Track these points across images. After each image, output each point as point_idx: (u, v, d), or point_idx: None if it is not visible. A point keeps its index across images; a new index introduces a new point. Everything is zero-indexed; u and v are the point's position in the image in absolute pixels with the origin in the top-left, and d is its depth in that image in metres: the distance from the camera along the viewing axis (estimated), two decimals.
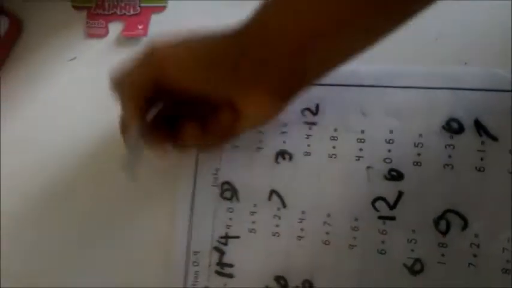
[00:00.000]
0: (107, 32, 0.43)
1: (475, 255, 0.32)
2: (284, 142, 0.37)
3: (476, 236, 0.32)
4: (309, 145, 0.36)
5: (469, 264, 0.32)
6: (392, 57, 0.34)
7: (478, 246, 0.32)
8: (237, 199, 0.37)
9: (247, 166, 0.38)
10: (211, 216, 0.38)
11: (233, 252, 0.37)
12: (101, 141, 0.42)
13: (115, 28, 0.43)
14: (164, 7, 0.42)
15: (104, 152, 0.41)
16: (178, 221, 0.38)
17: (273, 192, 0.37)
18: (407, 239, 0.33)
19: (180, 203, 0.38)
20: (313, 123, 0.36)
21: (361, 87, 0.36)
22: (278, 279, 0.36)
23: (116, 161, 0.38)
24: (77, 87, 0.43)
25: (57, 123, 0.43)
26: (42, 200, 0.42)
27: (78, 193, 0.41)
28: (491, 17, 0.34)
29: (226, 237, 0.37)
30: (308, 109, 0.37)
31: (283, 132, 0.37)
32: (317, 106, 0.37)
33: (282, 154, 0.37)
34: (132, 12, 0.43)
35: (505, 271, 0.31)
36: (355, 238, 0.34)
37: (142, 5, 0.43)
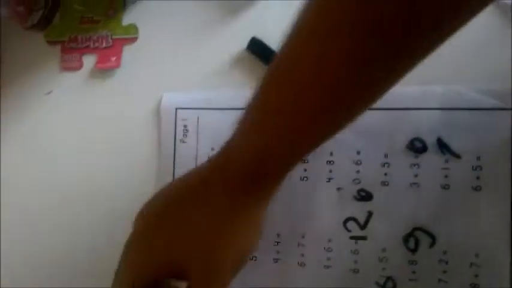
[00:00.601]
0: (81, 65, 0.44)
1: (444, 272, 0.33)
2: None
3: (444, 252, 0.33)
4: None
5: (439, 280, 0.33)
6: None
7: (446, 262, 0.33)
8: None
9: None
10: None
11: None
12: (82, 172, 0.42)
13: (89, 60, 0.44)
14: (136, 38, 0.43)
15: (87, 182, 0.42)
16: None
17: None
18: (379, 258, 0.34)
19: None
20: None
21: None
22: None
23: (97, 189, 0.41)
24: (55, 120, 0.44)
25: (37, 156, 0.44)
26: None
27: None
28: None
29: None
30: None
31: None
32: None
33: None
34: (104, 45, 0.44)
35: (474, 286, 0.32)
36: (329, 259, 0.35)
37: (114, 37, 0.44)
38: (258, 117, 0.26)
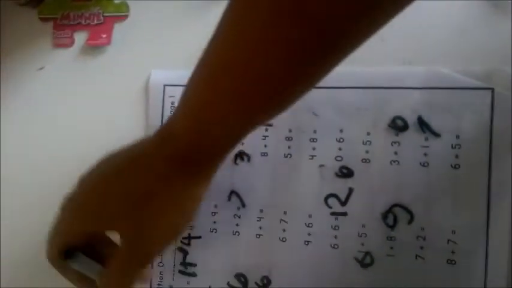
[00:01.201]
0: (72, 42, 0.45)
1: (421, 248, 0.33)
2: (242, 144, 0.38)
3: (422, 229, 0.33)
4: (265, 146, 0.38)
5: (417, 256, 0.33)
6: None
7: (424, 238, 0.33)
8: None
9: None
10: None
11: (195, 252, 0.38)
12: (72, 146, 0.43)
13: (80, 38, 0.45)
14: (126, 16, 0.44)
15: (77, 155, 0.42)
16: None
17: (232, 192, 0.38)
18: (358, 233, 0.34)
19: None
20: (269, 125, 0.38)
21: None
22: (238, 276, 0.37)
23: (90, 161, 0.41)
24: (47, 95, 0.45)
25: (29, 131, 0.44)
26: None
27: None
28: (433, 18, 0.36)
29: (189, 237, 0.39)
30: None
31: None
32: None
33: (241, 155, 0.38)
34: (96, 22, 0.44)
35: (450, 262, 0.32)
36: (309, 234, 0.36)
37: (105, 14, 0.44)
38: (197, 94, 0.26)
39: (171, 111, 0.40)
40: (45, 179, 0.43)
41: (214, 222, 0.38)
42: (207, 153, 0.28)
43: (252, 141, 0.38)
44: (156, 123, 0.40)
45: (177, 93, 0.40)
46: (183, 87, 0.27)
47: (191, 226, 0.38)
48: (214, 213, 0.38)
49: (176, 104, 0.39)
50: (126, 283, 0.30)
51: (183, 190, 0.29)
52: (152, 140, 0.29)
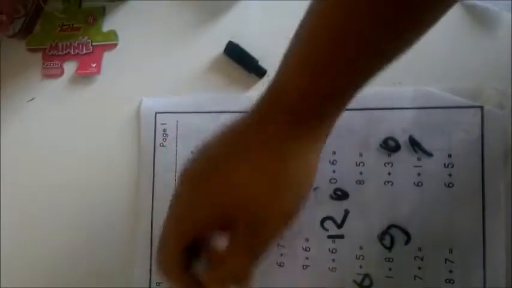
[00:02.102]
0: (62, 72, 0.45)
1: (419, 268, 0.33)
2: None
3: (419, 249, 0.33)
4: None
5: (415, 276, 0.33)
6: None
7: (421, 259, 0.33)
8: None
9: None
10: None
11: None
12: (65, 176, 0.43)
13: (70, 67, 0.45)
14: (115, 44, 0.44)
15: (70, 185, 0.42)
16: (139, 255, 0.39)
17: None
18: (356, 256, 0.34)
19: (139, 238, 0.40)
20: None
21: None
22: None
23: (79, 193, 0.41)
24: (38, 126, 0.44)
25: (20, 162, 0.44)
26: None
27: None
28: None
29: None
30: None
31: None
32: None
33: None
34: (85, 51, 0.44)
35: (449, 281, 0.32)
36: (307, 258, 0.35)
37: (94, 43, 0.44)
38: (299, 57, 0.26)
39: (163, 138, 0.40)
40: (36, 209, 0.43)
41: None
42: (319, 107, 0.26)
43: None
44: (148, 150, 0.40)
45: (168, 121, 0.40)
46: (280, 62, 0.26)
47: None
48: None
49: (168, 132, 0.40)
50: (244, 276, 0.27)
51: (300, 159, 0.27)
52: (258, 113, 0.27)
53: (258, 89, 0.39)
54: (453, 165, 0.33)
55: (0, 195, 0.44)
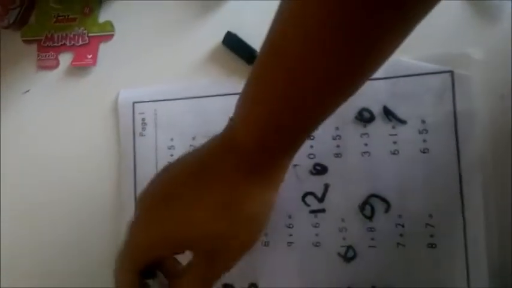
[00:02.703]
0: (57, 64, 0.44)
1: (401, 235, 0.33)
2: None
3: (400, 216, 0.33)
4: None
5: (398, 244, 0.33)
6: None
7: (403, 225, 0.33)
8: None
9: None
10: None
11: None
12: (60, 169, 0.43)
13: (65, 59, 0.44)
14: (112, 35, 0.43)
15: (64, 179, 0.43)
16: None
17: None
18: (339, 228, 0.35)
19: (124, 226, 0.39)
20: None
21: None
22: (226, 286, 0.37)
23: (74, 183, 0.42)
24: (33, 118, 0.44)
25: (17, 154, 0.44)
26: None
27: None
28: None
29: None
30: None
31: None
32: None
33: None
34: (81, 42, 0.44)
35: (431, 245, 0.33)
36: (291, 235, 0.36)
37: (90, 34, 0.44)
38: (257, 90, 0.26)
39: (142, 128, 0.40)
40: (33, 199, 0.43)
41: None
42: (273, 158, 0.27)
43: None
44: (128, 141, 0.40)
45: (146, 110, 0.40)
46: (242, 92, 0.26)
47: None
48: None
49: (147, 121, 0.40)
50: None
51: (257, 198, 0.28)
52: (214, 151, 0.28)
53: None
54: (427, 131, 0.33)
55: None
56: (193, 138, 0.39)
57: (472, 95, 0.33)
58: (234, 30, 0.39)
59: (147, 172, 0.39)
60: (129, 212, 0.39)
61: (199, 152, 0.29)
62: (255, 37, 0.38)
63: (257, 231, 0.29)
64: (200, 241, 0.27)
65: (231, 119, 0.28)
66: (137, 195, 0.30)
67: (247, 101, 0.26)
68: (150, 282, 0.30)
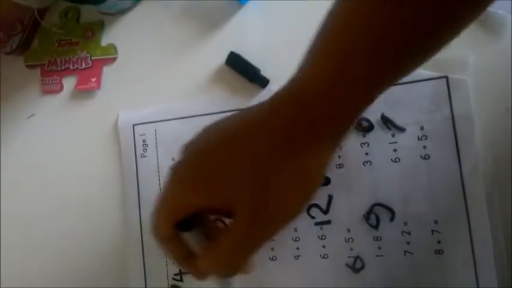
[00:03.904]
0: (61, 87, 0.45)
1: (408, 243, 0.33)
2: None
3: (405, 223, 0.33)
4: None
5: (405, 252, 0.33)
6: None
7: (409, 233, 0.33)
8: None
9: None
10: (163, 256, 0.39)
11: (190, 286, 0.38)
12: (66, 193, 0.43)
13: (69, 82, 0.45)
14: (115, 58, 0.43)
15: (69, 203, 0.43)
16: (131, 264, 0.39)
17: None
18: (345, 239, 0.34)
19: (130, 247, 0.40)
20: None
21: None
22: None
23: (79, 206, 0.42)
24: (37, 142, 0.45)
25: (21, 179, 0.45)
26: None
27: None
28: None
29: (180, 273, 0.38)
30: None
31: None
32: None
33: None
34: (84, 66, 0.44)
35: (438, 252, 0.33)
36: (298, 248, 0.36)
37: (93, 58, 0.44)
38: (327, 47, 0.24)
39: (143, 149, 0.40)
40: (34, 226, 0.43)
41: None
42: (337, 115, 0.24)
43: None
44: (130, 163, 0.40)
45: (146, 131, 0.40)
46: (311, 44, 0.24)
47: None
48: None
49: (148, 142, 0.40)
50: (234, 265, 0.27)
51: (308, 160, 0.25)
52: (272, 101, 0.25)
53: (262, 98, 0.37)
54: (427, 137, 0.33)
55: (1, 211, 0.45)
56: None
57: (469, 98, 0.33)
58: (237, 50, 0.39)
59: (151, 193, 0.40)
60: (135, 232, 0.40)
61: (249, 110, 0.27)
62: (258, 56, 0.39)
63: (307, 195, 0.26)
64: (243, 197, 0.25)
65: (293, 76, 0.25)
66: (184, 145, 0.28)
67: (318, 50, 0.24)
68: (187, 235, 0.28)
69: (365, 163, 0.35)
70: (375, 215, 0.34)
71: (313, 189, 0.26)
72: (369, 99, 0.25)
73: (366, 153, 0.35)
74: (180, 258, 0.29)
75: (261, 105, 0.26)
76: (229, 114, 0.28)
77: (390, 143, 0.34)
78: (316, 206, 0.35)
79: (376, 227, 0.34)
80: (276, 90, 0.25)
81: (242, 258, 0.26)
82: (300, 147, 0.24)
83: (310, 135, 0.24)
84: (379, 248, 0.34)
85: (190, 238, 0.28)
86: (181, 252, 0.29)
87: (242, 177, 0.25)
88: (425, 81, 0.34)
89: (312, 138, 0.24)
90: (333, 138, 0.25)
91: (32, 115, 0.45)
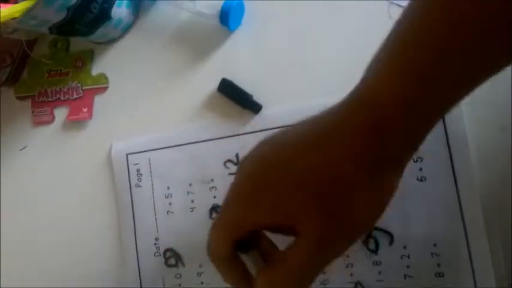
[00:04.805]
0: (53, 118, 0.44)
1: (408, 266, 0.33)
2: (214, 197, 0.38)
3: (404, 247, 0.33)
4: None
5: (405, 276, 0.33)
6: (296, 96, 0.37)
7: (408, 257, 0.33)
8: (182, 264, 0.38)
9: (185, 228, 0.38)
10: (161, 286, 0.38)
11: None
12: (59, 225, 0.43)
13: (61, 113, 0.44)
14: (106, 88, 0.43)
15: (63, 233, 0.42)
16: None
17: None
18: (345, 264, 0.34)
19: (127, 277, 0.39)
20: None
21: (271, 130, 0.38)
22: None
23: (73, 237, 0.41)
24: (30, 174, 0.44)
25: (16, 211, 0.44)
26: None
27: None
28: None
29: None
30: (230, 160, 0.38)
31: (212, 188, 0.38)
32: (237, 156, 0.38)
33: (215, 209, 0.38)
34: (75, 96, 0.44)
35: (439, 275, 0.32)
36: None
37: (84, 88, 0.44)
38: (397, 57, 0.23)
39: (137, 178, 0.40)
40: (32, 253, 0.43)
41: (202, 282, 0.37)
42: (413, 127, 0.23)
43: (223, 193, 0.37)
44: (125, 193, 0.40)
45: (140, 160, 0.40)
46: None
47: None
48: (200, 273, 0.37)
49: (142, 171, 0.40)
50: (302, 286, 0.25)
51: (387, 175, 0.24)
52: (340, 113, 0.24)
53: (255, 124, 0.37)
54: (422, 159, 0.33)
55: None
56: (190, 185, 0.39)
57: (462, 117, 0.33)
58: (228, 77, 0.39)
59: (146, 222, 0.40)
60: (130, 263, 0.39)
61: (316, 120, 0.25)
62: (250, 82, 0.39)
63: (372, 220, 0.24)
64: (314, 214, 0.23)
65: (361, 82, 0.24)
66: (240, 162, 0.27)
67: (381, 68, 0.23)
68: (243, 257, 0.27)
69: None
70: (374, 239, 0.34)
71: (380, 210, 0.25)
72: (446, 113, 0.24)
73: None
74: (237, 280, 0.27)
75: (333, 113, 0.24)
76: (283, 128, 0.26)
77: None
78: None
79: (375, 251, 0.34)
80: (349, 100, 0.24)
81: (308, 281, 0.25)
82: (382, 166, 0.23)
83: (383, 154, 0.23)
84: (380, 272, 0.33)
85: (248, 259, 0.27)
86: (239, 274, 0.27)
87: (319, 193, 0.23)
88: None
89: (386, 158, 0.23)
90: (406, 157, 0.24)
91: (25, 147, 0.45)
